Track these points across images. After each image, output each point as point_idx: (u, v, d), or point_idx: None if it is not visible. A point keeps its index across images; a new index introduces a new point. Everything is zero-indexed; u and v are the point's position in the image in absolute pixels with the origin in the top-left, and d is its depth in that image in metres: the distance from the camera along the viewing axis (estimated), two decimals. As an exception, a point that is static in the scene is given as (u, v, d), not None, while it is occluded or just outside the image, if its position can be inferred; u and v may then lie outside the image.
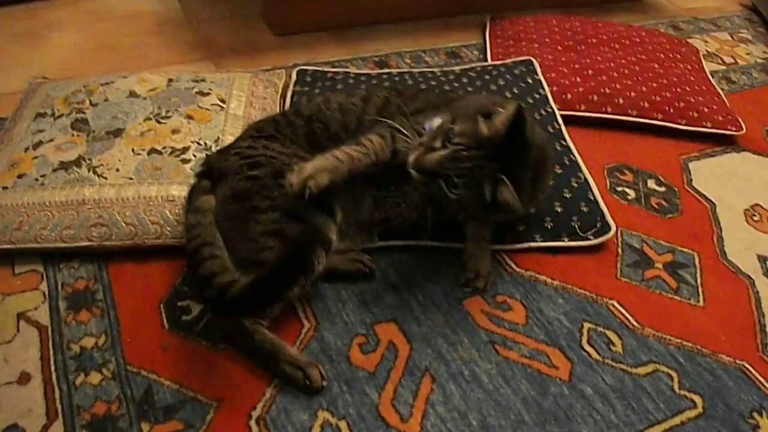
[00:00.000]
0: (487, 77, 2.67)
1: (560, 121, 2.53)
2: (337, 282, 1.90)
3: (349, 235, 1.88)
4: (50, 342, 1.70)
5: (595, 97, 2.70)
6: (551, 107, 2.58)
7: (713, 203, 2.41)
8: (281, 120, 1.96)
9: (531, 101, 2.56)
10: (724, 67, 3.39)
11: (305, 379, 1.62)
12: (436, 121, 1.79)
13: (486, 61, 3.04)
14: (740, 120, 2.78)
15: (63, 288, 1.84)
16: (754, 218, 2.36)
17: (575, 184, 2.22)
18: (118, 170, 2.03)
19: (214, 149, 2.10)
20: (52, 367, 1.65)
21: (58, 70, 2.69)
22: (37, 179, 1.99)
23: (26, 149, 2.10)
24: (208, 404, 1.60)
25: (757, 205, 2.44)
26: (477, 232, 1.99)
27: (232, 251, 1.70)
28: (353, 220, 1.87)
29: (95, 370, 1.65)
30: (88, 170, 2.02)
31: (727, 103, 2.89)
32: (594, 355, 1.81)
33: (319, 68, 2.76)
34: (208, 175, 1.86)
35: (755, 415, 1.73)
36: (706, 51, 3.51)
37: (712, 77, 3.15)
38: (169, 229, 1.91)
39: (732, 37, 3.75)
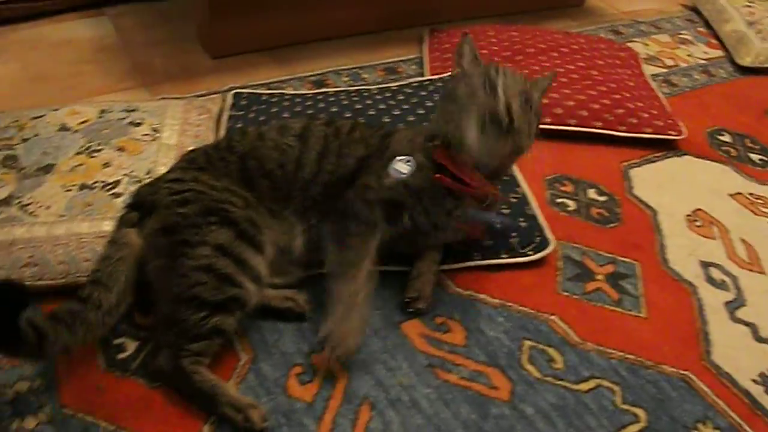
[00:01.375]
0: (423, 93, 2.65)
1: (497, 134, 2.48)
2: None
3: (285, 269, 1.87)
4: (-17, 387, 1.63)
5: (533, 108, 2.65)
6: (488, 120, 2.53)
7: (654, 210, 2.40)
8: (213, 153, 1.93)
9: (468, 115, 2.51)
10: (665, 70, 3.40)
11: (245, 421, 1.58)
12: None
13: (424, 75, 3.00)
14: (681, 124, 2.79)
15: (-5, 331, 1.76)
16: (696, 224, 2.36)
17: (513, 199, 2.22)
18: (49, 207, 1.98)
19: (145, 181, 2.04)
20: (-14, 414, 1.58)
21: (-9, 104, 2.60)
22: (-33, 221, 1.92)
23: (-46, 188, 2.02)
24: (143, 445, 1.53)
25: (698, 210, 2.43)
26: (430, 253, 1.98)
27: (165, 288, 1.69)
28: (287, 255, 1.86)
29: (31, 415, 1.60)
30: (19, 209, 1.97)
31: (668, 108, 2.90)
32: (535, 373, 1.79)
33: (255, 90, 2.73)
34: (138, 207, 1.82)
35: (699, 425, 1.72)
36: (647, 54, 3.51)
37: (653, 81, 3.16)
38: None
39: (673, 39, 3.76)
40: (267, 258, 1.78)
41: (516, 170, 2.37)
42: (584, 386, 1.78)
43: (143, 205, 1.81)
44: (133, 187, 2.00)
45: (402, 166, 1.86)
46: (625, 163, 2.63)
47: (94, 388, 1.66)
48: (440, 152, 1.86)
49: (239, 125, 2.45)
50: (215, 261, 1.67)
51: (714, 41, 3.81)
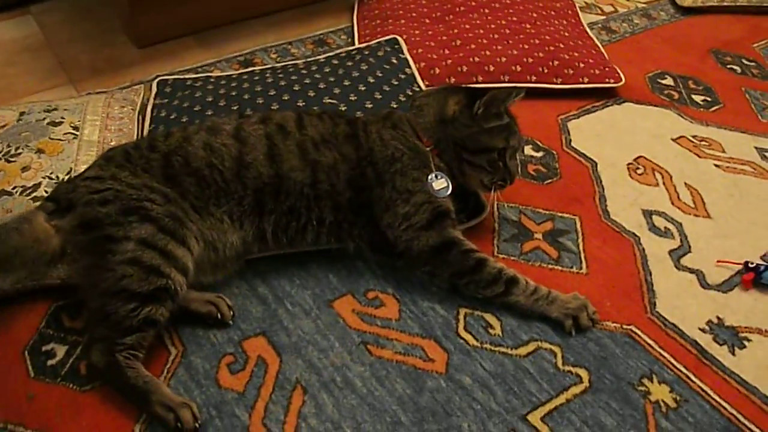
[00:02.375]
0: (350, 63, 2.59)
1: (426, 98, 2.43)
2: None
3: (212, 267, 1.85)
4: None
5: (465, 68, 2.63)
6: (418, 85, 2.50)
7: (594, 161, 2.36)
8: (133, 152, 1.88)
9: (396, 82, 2.48)
10: (603, 17, 3.36)
11: (176, 422, 1.54)
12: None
13: (354, 45, 2.93)
14: (619, 70, 2.74)
15: None
16: (638, 171, 2.32)
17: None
18: (-32, 217, 1.90)
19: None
20: None
21: None
22: None
23: None
24: (74, 452, 1.49)
25: (640, 157, 2.40)
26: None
27: (92, 284, 1.65)
28: (216, 253, 1.83)
29: (-43, 431, 1.53)
30: (-64, 220, 1.89)
31: (606, 55, 2.85)
32: (471, 341, 1.75)
33: (180, 77, 2.66)
34: (55, 201, 1.78)
35: (645, 381, 1.69)
36: (585, 2, 3.47)
37: (591, 29, 3.12)
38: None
39: (611, -15, 3.67)
40: (193, 251, 1.74)
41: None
42: (523, 350, 1.74)
43: (60, 201, 1.77)
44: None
45: (442, 184, 1.89)
46: (563, 116, 2.59)
47: (24, 398, 1.62)
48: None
49: (164, 113, 2.38)
50: (140, 254, 1.64)
51: (654, -17, 3.72)
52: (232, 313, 1.80)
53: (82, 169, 1.96)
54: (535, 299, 1.79)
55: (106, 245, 1.66)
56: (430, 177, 1.87)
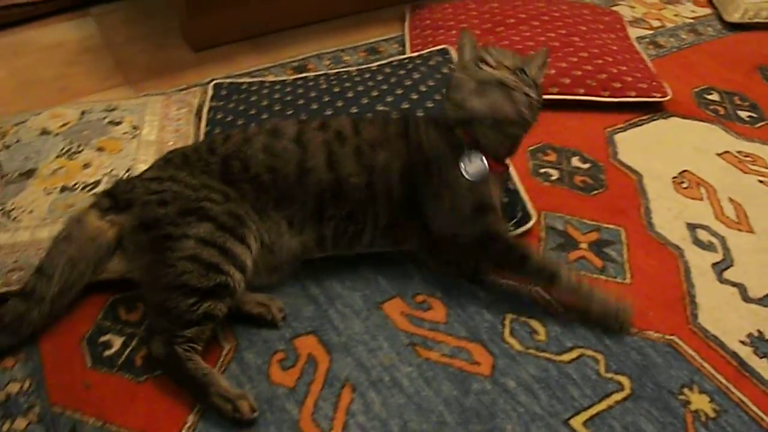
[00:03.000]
0: (402, 72, 2.63)
1: (477, 108, 2.47)
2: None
3: (267, 270, 1.89)
4: (-25, 392, 1.65)
5: (514, 80, 2.63)
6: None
7: (640, 174, 2.38)
8: (191, 155, 1.93)
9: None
10: (651, 32, 3.37)
11: (235, 412, 1.59)
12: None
13: (405, 53, 2.99)
14: (665, 85, 2.76)
15: (-15, 336, 1.78)
16: (683, 185, 2.34)
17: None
18: (31, 212, 2.00)
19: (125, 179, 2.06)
20: (-22, 417, 1.60)
21: (-21, 112, 2.61)
22: (-48, 229, 1.94)
23: (-60, 199, 2.04)
24: (132, 438, 1.55)
25: (685, 171, 2.41)
26: None
27: (153, 281, 1.71)
28: (272, 255, 1.88)
29: (21, 416, 1.62)
30: (2, 215, 1.99)
31: (653, 69, 2.87)
32: (517, 346, 1.79)
33: (235, 80, 2.72)
34: (111, 197, 1.84)
35: (686, 390, 1.71)
36: (633, 17, 3.48)
37: (639, 43, 3.14)
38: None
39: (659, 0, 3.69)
40: (252, 250, 1.79)
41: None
42: (567, 357, 1.78)
43: (117, 199, 1.83)
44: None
45: (477, 165, 1.89)
46: (610, 129, 2.62)
47: (82, 386, 1.68)
48: (467, 136, 1.89)
49: (220, 116, 2.44)
50: (200, 251, 1.69)
51: (701, -1, 3.73)
52: (282, 315, 1.84)
53: (141, 168, 2.04)
54: (578, 290, 1.83)
55: (165, 243, 1.71)
56: (462, 161, 1.87)
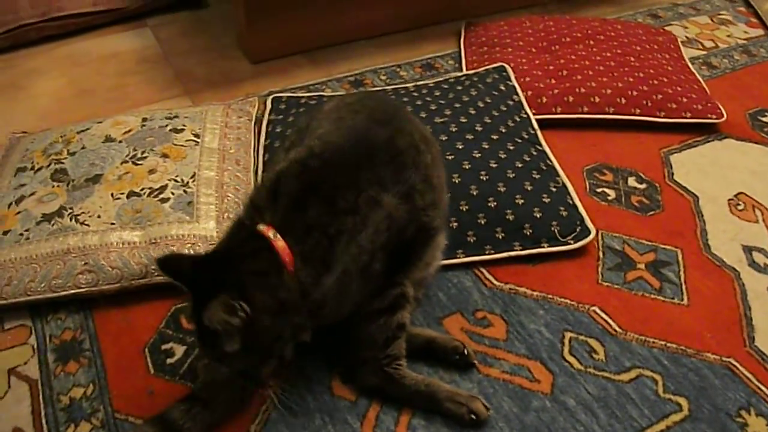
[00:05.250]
0: (459, 88, 2.66)
1: (535, 125, 2.53)
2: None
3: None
4: (40, 395, 1.72)
5: (571, 98, 2.69)
6: (526, 112, 2.58)
7: (696, 196, 2.39)
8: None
9: (504, 108, 2.55)
10: (704, 53, 3.36)
11: (470, 414, 1.64)
12: None
13: (461, 70, 3.02)
14: (721, 106, 2.76)
15: (51, 340, 1.85)
16: (738, 207, 2.35)
17: (553, 189, 2.22)
18: (99, 216, 2.04)
19: (191, 185, 2.13)
20: (43, 420, 1.66)
21: (39, 120, 2.70)
22: (21, 234, 2.01)
23: (9, 205, 2.11)
24: (193, 446, 1.58)
25: (740, 193, 2.42)
26: None
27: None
28: None
29: (85, 420, 1.66)
30: (71, 219, 2.03)
31: (707, 90, 2.87)
32: (576, 365, 1.81)
33: (293, 94, 2.76)
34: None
35: (743, 413, 1.72)
36: (686, 37, 3.48)
37: (692, 64, 3.14)
38: (153, 267, 1.91)
39: (712, 20, 3.71)
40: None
41: (554, 161, 2.39)
42: (626, 376, 1.79)
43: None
44: (179, 191, 2.12)
45: None
46: (665, 149, 2.62)
47: (145, 393, 1.72)
48: None
49: (279, 129, 2.49)
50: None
51: (754, 20, 3.75)
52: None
53: (206, 174, 2.18)
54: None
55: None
56: None
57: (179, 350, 1.82)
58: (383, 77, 3.03)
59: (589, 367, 1.80)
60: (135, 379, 1.76)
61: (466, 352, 1.77)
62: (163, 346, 1.83)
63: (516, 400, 1.72)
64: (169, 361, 1.80)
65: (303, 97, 2.72)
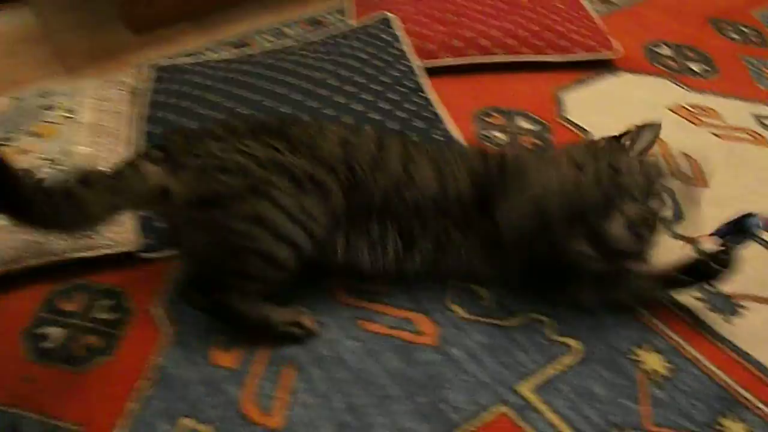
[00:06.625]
0: (342, 41, 2.58)
1: (419, 74, 2.47)
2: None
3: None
4: None
5: (458, 43, 2.62)
6: (409, 61, 2.51)
7: (587, 132, 2.35)
8: (265, 139, 1.73)
9: (387, 58, 2.48)
10: (602, -12, 3.29)
11: (301, 328, 1.67)
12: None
13: (349, 23, 2.95)
14: (615, 41, 2.73)
15: None
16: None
17: (436, 136, 2.19)
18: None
19: (65, 163, 2.03)
20: None
21: None
22: None
23: None
24: (72, 430, 1.53)
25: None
26: None
27: (209, 259, 1.65)
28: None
29: (-42, 414, 1.55)
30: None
31: (601, 26, 2.83)
32: (462, 313, 1.75)
33: (175, 62, 2.66)
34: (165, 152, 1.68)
35: (636, 350, 1.68)
36: (581, -26, 3.40)
37: (591, 1, 3.07)
38: (28, 253, 1.83)
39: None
40: (315, 239, 1.67)
41: (438, 108, 2.32)
42: (514, 321, 1.74)
43: (171, 157, 1.65)
44: (52, 170, 1.99)
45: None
46: (558, 88, 2.57)
47: (21, 380, 1.63)
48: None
49: (162, 98, 2.38)
50: (275, 249, 1.60)
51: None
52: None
53: (80, 150, 2.05)
54: None
55: (231, 227, 1.60)
56: None
57: (56, 334, 1.73)
58: (268, 37, 2.95)
59: (475, 315, 1.75)
60: (11, 366, 1.67)
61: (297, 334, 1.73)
62: (40, 331, 1.74)
63: (401, 355, 1.66)
64: (45, 345, 1.71)
65: (186, 63, 2.62)
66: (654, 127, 1.82)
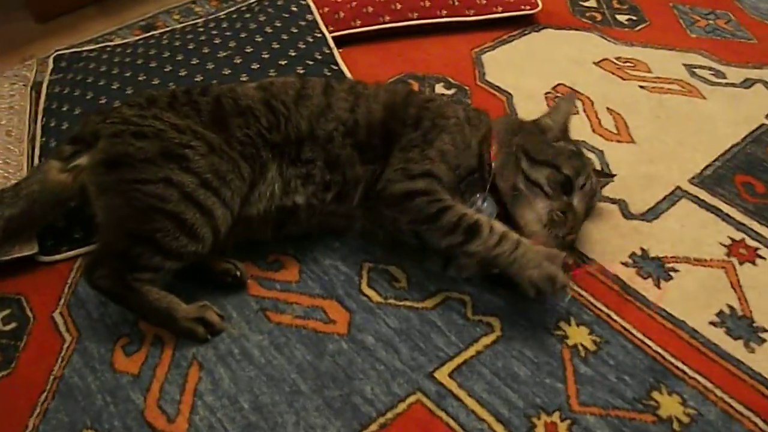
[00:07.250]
0: (248, 16, 2.49)
1: (331, 44, 2.38)
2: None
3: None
4: None
5: (370, 9, 2.52)
6: (320, 31, 2.42)
7: (509, 94, 2.26)
8: (180, 96, 1.77)
9: (296, 30, 2.38)
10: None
11: (208, 327, 1.60)
12: None
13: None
14: (536, -5, 2.61)
15: None
16: (557, 100, 2.20)
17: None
18: None
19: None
20: None
21: None
22: None
23: None
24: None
25: (559, 85, 2.30)
26: None
27: (117, 224, 1.59)
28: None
29: None
30: None
31: (521, -20, 2.71)
32: (375, 297, 1.66)
33: (77, 49, 2.54)
34: (77, 141, 1.70)
35: (562, 324, 1.60)
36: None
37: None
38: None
39: None
40: (230, 211, 1.63)
41: (351, 77, 2.22)
42: (430, 302, 1.65)
43: (83, 139, 1.69)
44: None
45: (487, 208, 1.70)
46: (477, 49, 2.49)
47: None
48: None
49: (58, 89, 2.28)
50: (182, 209, 1.55)
51: None
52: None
53: None
54: (496, 254, 1.55)
55: (137, 187, 1.57)
56: (475, 198, 1.70)
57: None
58: (176, 17, 2.84)
59: (389, 298, 1.66)
60: None
61: (238, 273, 1.69)
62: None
63: (310, 347, 1.57)
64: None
65: (85, 50, 2.51)
66: (569, 98, 1.82)
